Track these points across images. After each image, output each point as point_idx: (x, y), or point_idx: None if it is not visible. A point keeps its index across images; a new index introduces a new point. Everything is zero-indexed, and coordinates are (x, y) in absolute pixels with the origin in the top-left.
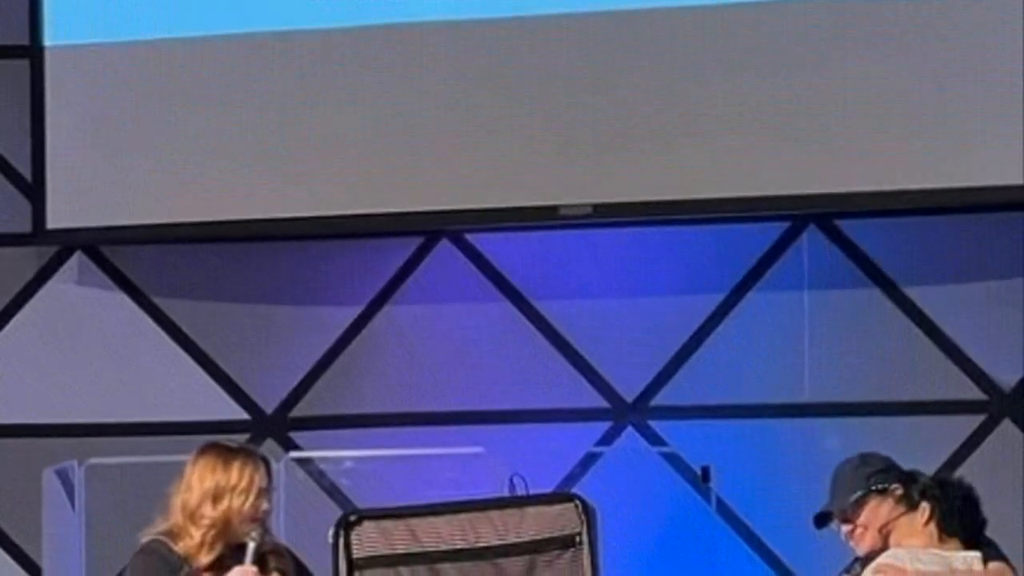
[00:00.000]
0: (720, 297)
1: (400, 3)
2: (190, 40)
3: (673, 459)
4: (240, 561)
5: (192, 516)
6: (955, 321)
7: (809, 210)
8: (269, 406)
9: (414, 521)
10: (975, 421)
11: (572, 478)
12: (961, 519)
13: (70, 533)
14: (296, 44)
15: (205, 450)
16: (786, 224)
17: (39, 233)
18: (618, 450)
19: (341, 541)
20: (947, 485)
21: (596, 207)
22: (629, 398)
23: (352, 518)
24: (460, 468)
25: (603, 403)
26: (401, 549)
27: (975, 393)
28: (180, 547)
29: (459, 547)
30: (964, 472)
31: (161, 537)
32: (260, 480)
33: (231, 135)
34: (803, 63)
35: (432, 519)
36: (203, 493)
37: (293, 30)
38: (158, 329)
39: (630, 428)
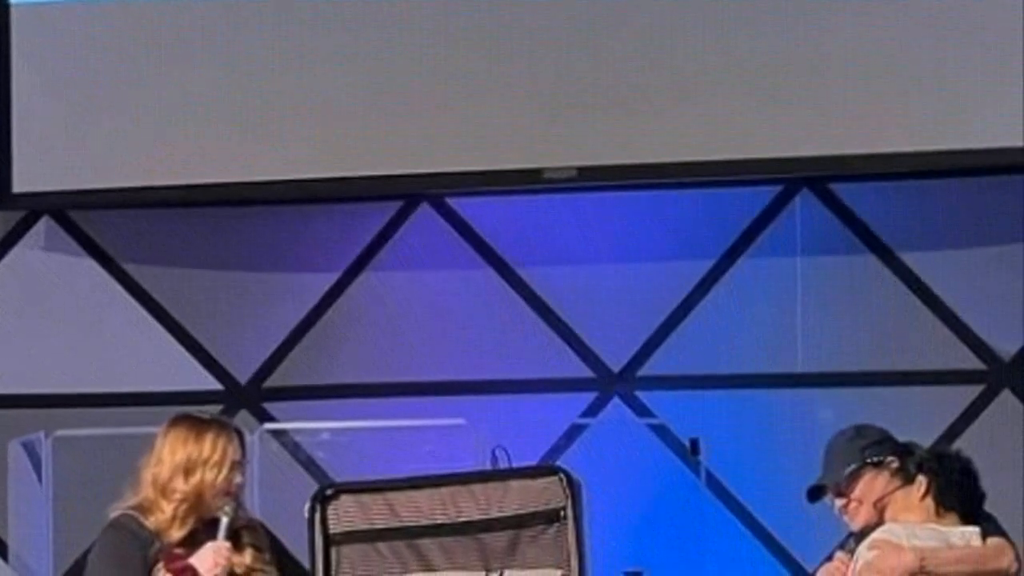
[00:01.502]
0: (710, 263)
1: None
2: None
3: (661, 431)
4: (213, 536)
5: (163, 490)
6: (953, 288)
7: (802, 173)
8: (243, 376)
9: (393, 495)
10: (973, 391)
11: (556, 450)
12: (959, 493)
13: (36, 507)
14: (270, 2)
15: (176, 422)
16: (778, 188)
17: (4, 197)
18: (604, 422)
19: (317, 516)
20: (944, 458)
21: (581, 170)
22: (615, 368)
23: (329, 492)
24: (441, 440)
25: (588, 373)
26: (380, 524)
27: (973, 362)
28: (151, 522)
29: (440, 522)
30: (962, 444)
31: (131, 512)
32: (233, 453)
33: (203, 96)
34: (796, 20)
35: (412, 493)
36: (174, 466)
37: None
38: (128, 296)
39: (616, 399)
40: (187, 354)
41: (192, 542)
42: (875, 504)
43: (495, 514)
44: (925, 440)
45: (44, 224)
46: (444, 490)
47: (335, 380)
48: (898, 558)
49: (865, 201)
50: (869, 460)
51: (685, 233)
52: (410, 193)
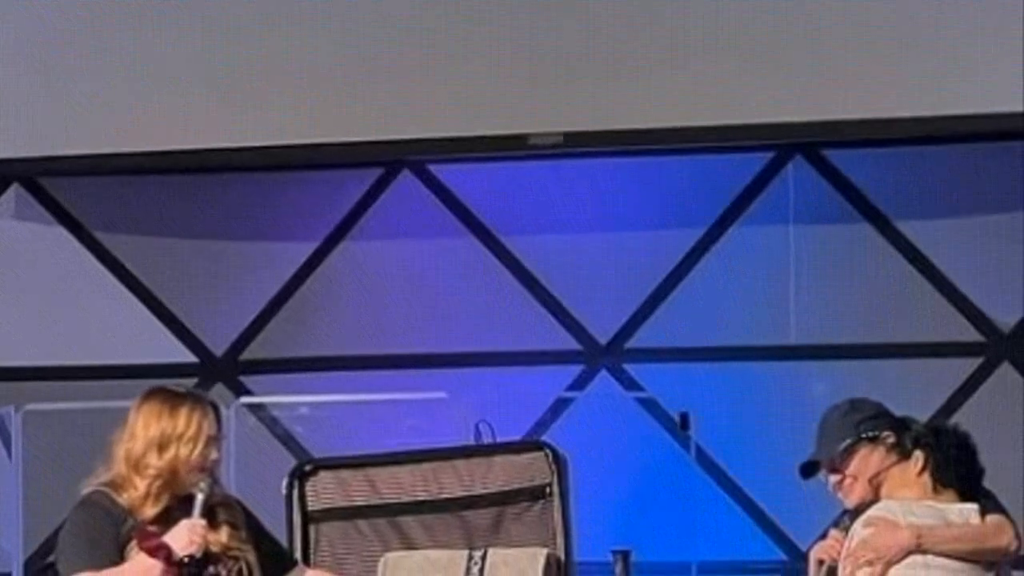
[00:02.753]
0: (700, 232)
1: None
2: None
3: (649, 405)
4: (187, 514)
5: (136, 466)
6: (951, 257)
7: (795, 139)
8: (218, 348)
9: (373, 471)
10: (972, 364)
11: (542, 425)
12: (957, 469)
13: (6, 483)
14: None
15: (150, 395)
16: (770, 154)
17: None
18: (591, 395)
19: (295, 492)
20: (942, 432)
21: (567, 136)
22: (603, 340)
23: (307, 468)
24: (423, 414)
25: (575, 345)
26: (359, 501)
27: (972, 335)
28: (124, 499)
29: (421, 499)
30: (960, 418)
31: (103, 488)
32: (209, 427)
33: (178, 60)
34: None
35: (393, 469)
36: (148, 441)
37: None
38: (100, 266)
39: (604, 372)
40: (161, 326)
41: (166, 519)
42: (870, 480)
43: (478, 491)
44: (922, 414)
45: (14, 191)
46: (426, 466)
47: (313, 352)
48: (894, 536)
49: (860, 168)
50: (864, 435)
51: (674, 201)
52: (391, 160)
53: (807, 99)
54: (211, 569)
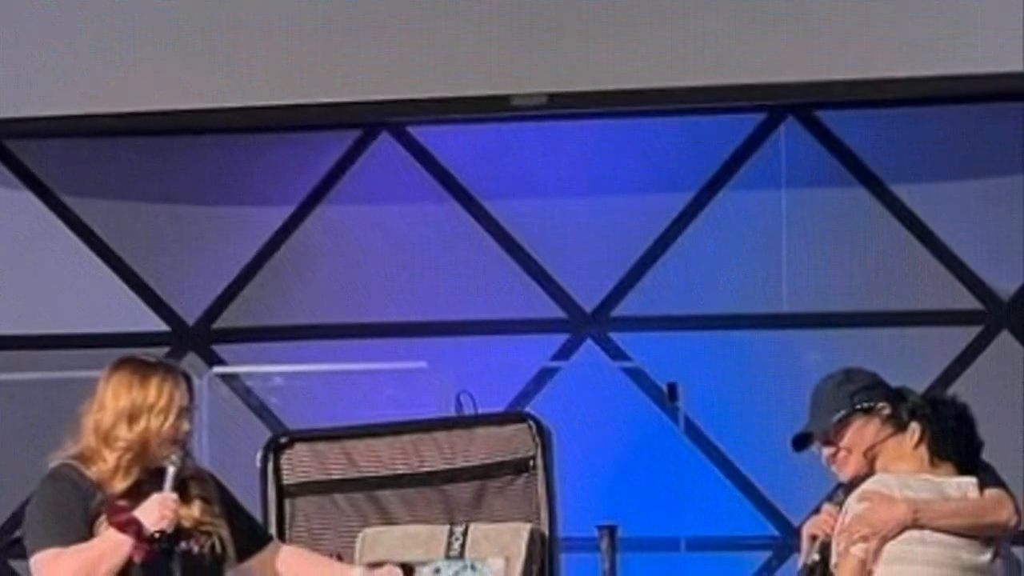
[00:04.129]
0: (688, 196)
1: None
2: None
3: (636, 375)
4: (158, 487)
5: (106, 438)
6: (948, 223)
7: (787, 100)
8: (190, 316)
9: (351, 443)
10: (970, 333)
11: (525, 396)
12: (955, 441)
13: None
14: None
15: (120, 365)
16: (762, 116)
17: None
18: (576, 365)
19: (270, 465)
20: (939, 404)
21: (552, 97)
22: (588, 308)
23: (282, 440)
24: (402, 385)
25: (559, 313)
26: (336, 474)
27: (970, 302)
28: (92, 472)
29: (401, 472)
30: (958, 389)
31: (71, 461)
32: (180, 398)
33: (149, 17)
34: None
35: (371, 441)
36: (117, 413)
37: None
38: (68, 231)
39: (589, 341)
40: (131, 293)
41: (136, 493)
42: (865, 453)
43: (460, 464)
44: (919, 385)
45: None
46: (405, 438)
47: (289, 321)
48: (890, 511)
49: (855, 130)
50: (859, 406)
51: (662, 164)
52: (369, 121)
53: (800, 58)
54: (183, 545)
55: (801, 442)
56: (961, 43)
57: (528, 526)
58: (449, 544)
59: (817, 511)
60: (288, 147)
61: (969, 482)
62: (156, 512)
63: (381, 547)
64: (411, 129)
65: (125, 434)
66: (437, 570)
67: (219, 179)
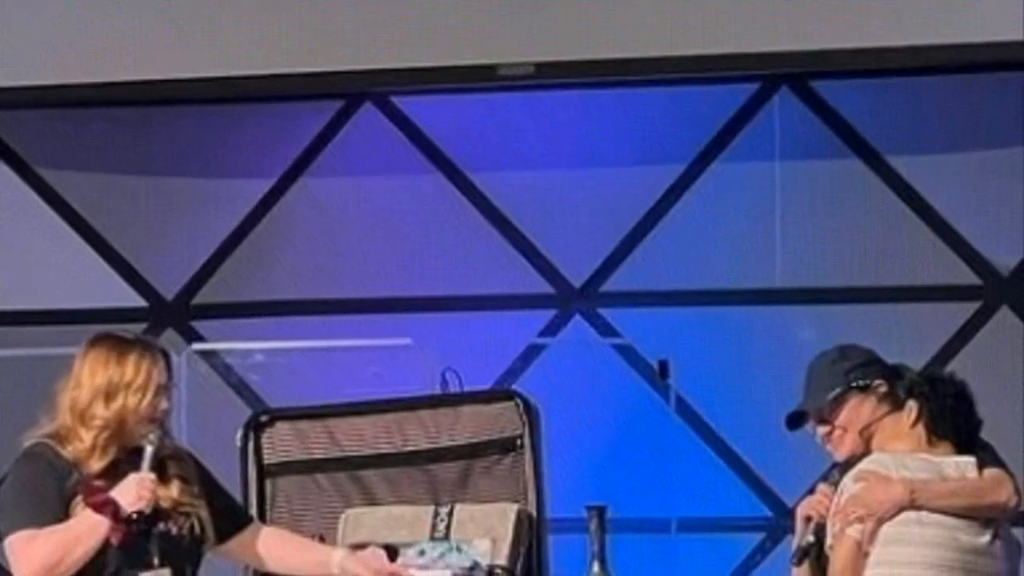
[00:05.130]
0: (680, 168)
1: None
2: None
3: (626, 352)
4: (136, 467)
5: (82, 416)
6: (946, 195)
7: (781, 70)
8: (169, 292)
9: (333, 422)
10: (969, 309)
11: (512, 373)
12: (953, 420)
13: None
14: None
15: (96, 342)
16: (755, 85)
17: None
18: (564, 341)
19: (250, 444)
20: (937, 381)
21: (539, 66)
22: (577, 283)
23: (263, 419)
24: (386, 362)
25: (547, 288)
26: (319, 454)
27: (969, 277)
28: (68, 451)
29: (384, 451)
30: (956, 366)
31: (47, 440)
32: (158, 376)
33: None
34: None
35: (354, 420)
36: (94, 391)
37: None
38: (43, 205)
39: (578, 317)
40: (108, 267)
41: (114, 473)
42: (861, 432)
43: (445, 443)
44: (916, 362)
45: None
46: (389, 417)
47: (270, 296)
48: (886, 491)
49: (851, 100)
50: (854, 384)
51: (653, 136)
52: (352, 91)
53: (794, 27)
54: (161, 526)
55: (795, 421)
56: (960, 11)
57: (515, 507)
58: (434, 525)
59: (812, 491)
60: (269, 118)
61: (968, 462)
62: (133, 492)
63: (364, 528)
64: (395, 99)
65: (102, 412)
66: (422, 552)
67: (198, 151)
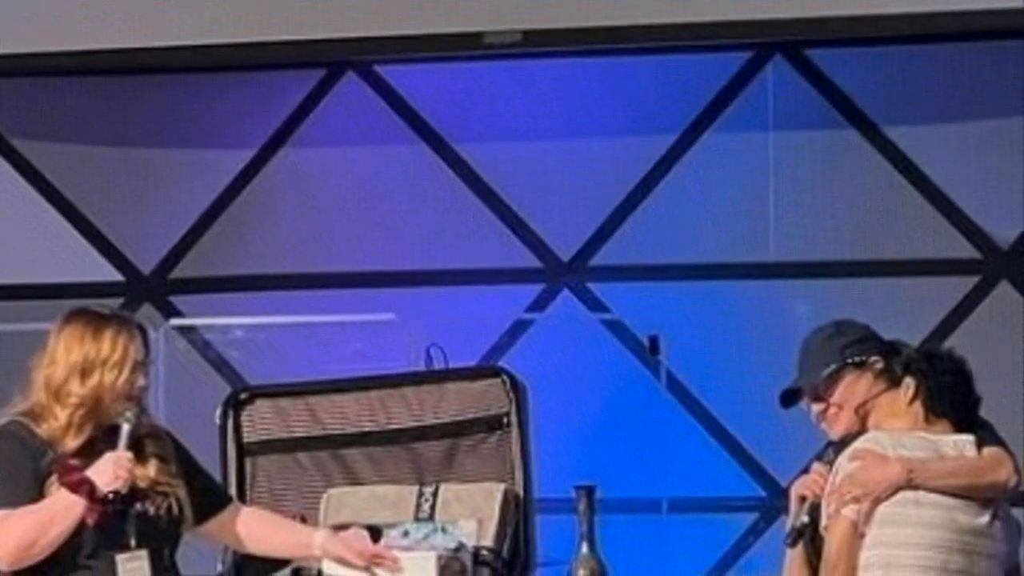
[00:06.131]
0: (671, 139)
1: None
2: None
3: (616, 327)
4: (112, 445)
5: (57, 394)
6: (944, 167)
7: (775, 38)
8: (146, 265)
9: (315, 399)
10: (968, 283)
11: (499, 349)
12: (951, 397)
13: None
14: None
15: (72, 317)
16: (748, 54)
17: None
18: (552, 317)
19: (230, 422)
20: (935, 357)
21: (526, 34)
22: (565, 256)
23: (243, 396)
24: (369, 338)
25: (535, 262)
26: (300, 432)
27: (967, 250)
28: (43, 430)
29: (367, 429)
30: (955, 342)
31: (21, 418)
32: (135, 352)
33: None
34: None
35: (336, 397)
36: (69, 367)
37: None
38: (17, 176)
39: (566, 291)
40: (83, 241)
41: (89, 452)
42: (857, 410)
43: (429, 421)
44: (913, 338)
45: None
46: (372, 394)
47: (250, 270)
48: (883, 470)
49: (846, 69)
50: (850, 360)
51: (643, 105)
52: (334, 60)
53: None
54: (138, 506)
55: (789, 398)
56: None
57: (501, 486)
58: (418, 505)
59: (806, 471)
60: (249, 87)
61: (966, 440)
62: (110, 472)
63: (347, 508)
64: (378, 68)
65: (77, 389)
66: (406, 532)
67: (177, 121)
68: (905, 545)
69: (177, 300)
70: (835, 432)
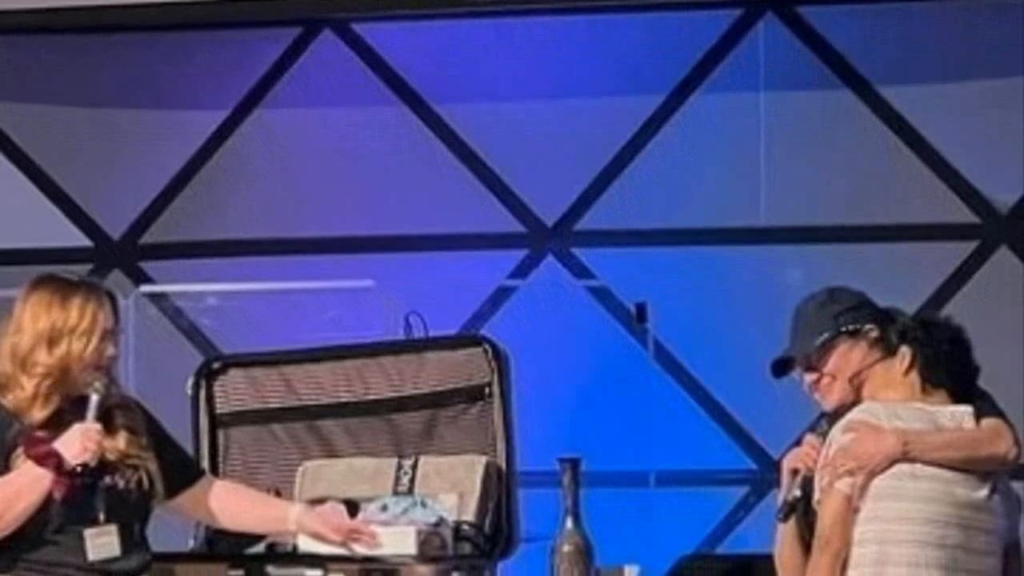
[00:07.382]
0: (659, 99)
1: None
2: None
3: (602, 294)
4: (81, 417)
5: (23, 363)
6: (941, 128)
7: None
8: (115, 231)
9: (290, 369)
10: (966, 248)
11: (480, 317)
12: (948, 367)
13: None
14: None
15: (38, 284)
16: (738, 11)
17: None
18: (536, 283)
19: (202, 393)
20: (932, 326)
21: None
22: (549, 221)
23: (215, 365)
24: (346, 305)
25: (518, 227)
26: (274, 403)
27: (965, 215)
28: (9, 400)
29: (344, 400)
30: (952, 310)
31: None
32: (104, 320)
33: None
34: None
35: (312, 367)
36: (36, 336)
37: None
38: None
39: (550, 257)
40: (51, 205)
41: (57, 423)
42: (851, 380)
43: (409, 391)
44: (910, 305)
45: None
46: (349, 363)
47: (223, 235)
48: (877, 442)
49: (839, 27)
50: (844, 329)
51: (630, 65)
52: (310, 17)
53: None
54: (107, 479)
55: (781, 368)
56: None
57: (483, 459)
58: (397, 479)
59: (798, 443)
60: (222, 46)
61: (964, 411)
62: (78, 444)
63: (323, 482)
64: (356, 26)
65: (44, 359)
66: (384, 507)
67: (147, 81)
68: (901, 520)
69: (148, 266)
70: (828, 403)
